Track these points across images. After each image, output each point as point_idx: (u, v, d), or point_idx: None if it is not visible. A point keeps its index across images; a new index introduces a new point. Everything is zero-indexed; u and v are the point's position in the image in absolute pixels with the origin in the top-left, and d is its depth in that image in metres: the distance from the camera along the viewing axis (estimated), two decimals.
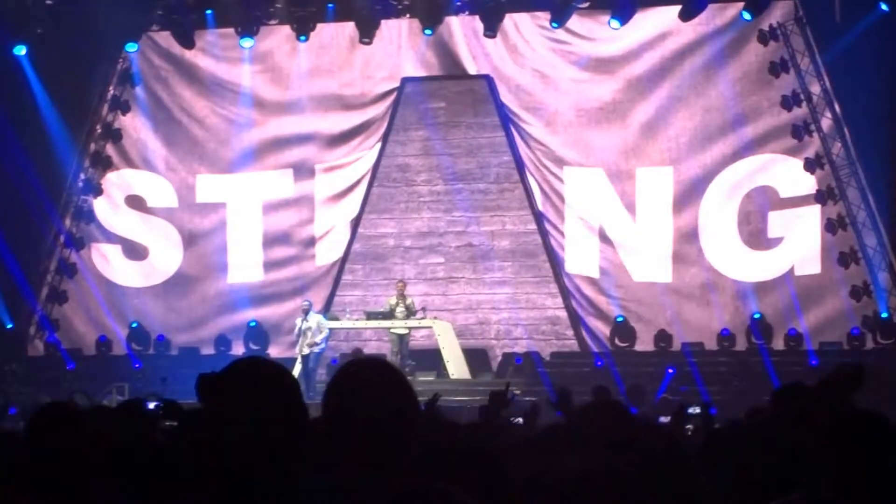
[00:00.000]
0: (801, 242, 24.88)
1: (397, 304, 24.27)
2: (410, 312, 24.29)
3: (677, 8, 24.85)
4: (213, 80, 26.94)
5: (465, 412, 17.63)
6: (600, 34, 25.51)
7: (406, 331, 24.51)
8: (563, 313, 25.77)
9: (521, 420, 13.67)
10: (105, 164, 27.19)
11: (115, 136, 27.20)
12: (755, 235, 25.07)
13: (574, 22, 25.46)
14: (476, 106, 26.35)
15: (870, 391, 18.50)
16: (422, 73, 26.40)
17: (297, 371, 23.11)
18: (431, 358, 24.28)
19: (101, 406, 10.97)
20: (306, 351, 23.38)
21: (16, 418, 20.68)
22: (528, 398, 21.61)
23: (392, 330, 24.43)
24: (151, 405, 15.44)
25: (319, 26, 25.80)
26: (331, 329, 24.35)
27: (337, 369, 4.04)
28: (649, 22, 25.27)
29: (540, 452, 4.85)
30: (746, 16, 24.61)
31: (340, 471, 3.78)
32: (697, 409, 13.61)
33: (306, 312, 23.71)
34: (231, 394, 3.63)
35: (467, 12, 25.54)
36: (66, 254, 27.00)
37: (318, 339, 23.49)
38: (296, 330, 23.59)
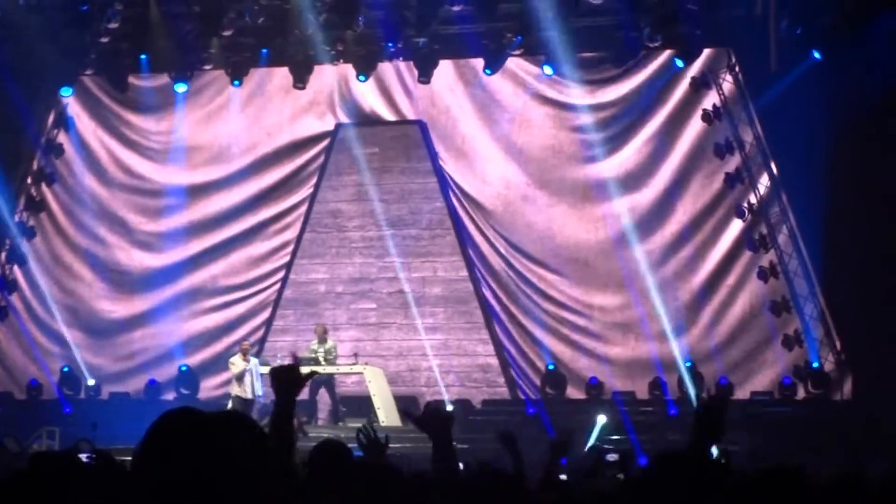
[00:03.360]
0: (733, 289, 24.86)
1: (317, 349, 24.12)
2: (328, 357, 24.05)
3: (609, 54, 24.89)
4: (144, 129, 27.00)
5: (403, 460, 17.43)
6: (534, 83, 25.54)
7: (327, 375, 24.32)
8: (494, 360, 25.67)
9: None
10: (38, 208, 27.20)
11: (49, 179, 27.24)
12: (686, 283, 25.02)
13: (508, 70, 25.46)
14: (409, 151, 26.37)
15: (801, 441, 18.24)
16: (355, 118, 26.44)
17: None
18: (362, 404, 24.09)
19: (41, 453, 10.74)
20: (246, 395, 23.17)
21: None
22: (461, 446, 21.51)
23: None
24: (84, 456, 15.34)
25: (253, 71, 25.81)
26: (262, 374, 24.27)
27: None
28: (584, 68, 25.30)
29: None
30: (679, 63, 24.61)
31: None
32: (615, 457, 13.47)
33: (245, 353, 23.55)
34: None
35: (401, 58, 25.54)
36: None
37: (259, 391, 23.25)
38: (237, 371, 23.34)
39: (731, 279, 24.87)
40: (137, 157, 27.11)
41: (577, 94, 25.45)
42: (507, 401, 25.29)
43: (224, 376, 25.59)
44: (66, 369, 26.44)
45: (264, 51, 25.31)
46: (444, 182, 26.07)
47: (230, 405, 23.02)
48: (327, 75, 26.08)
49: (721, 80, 24.99)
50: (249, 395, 23.27)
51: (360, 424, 22.19)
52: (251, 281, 26.61)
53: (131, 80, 26.19)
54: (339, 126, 26.48)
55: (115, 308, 26.93)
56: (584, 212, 25.47)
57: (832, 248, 23.60)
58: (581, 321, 25.31)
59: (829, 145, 23.47)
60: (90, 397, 26.18)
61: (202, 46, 25.48)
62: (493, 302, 25.71)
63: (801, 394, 24.09)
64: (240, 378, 23.31)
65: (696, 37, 24.03)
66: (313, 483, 5.95)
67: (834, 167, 23.36)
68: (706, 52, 24.79)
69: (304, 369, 5.99)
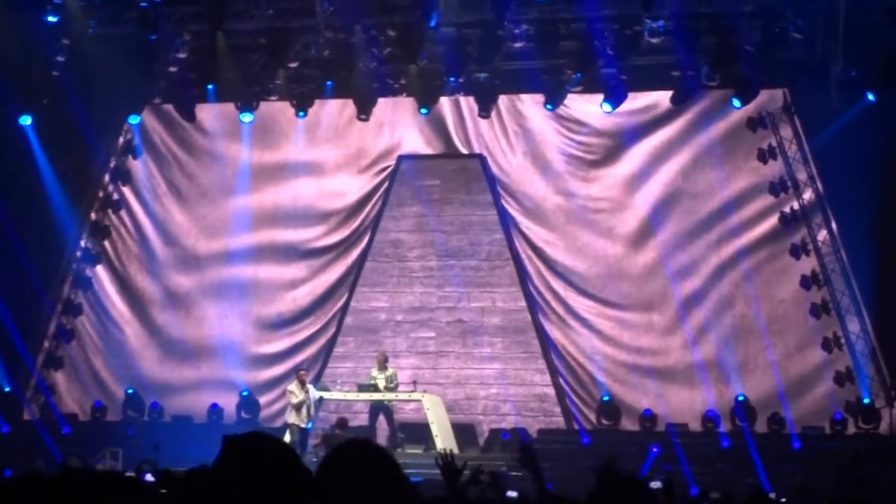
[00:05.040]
0: (785, 326, 25.25)
1: (377, 377, 24.52)
2: (388, 384, 24.38)
3: (668, 93, 25.28)
4: (211, 156, 27.54)
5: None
6: (592, 120, 25.95)
7: (386, 402, 24.73)
8: (550, 390, 26.05)
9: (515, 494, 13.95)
10: (105, 234, 27.70)
11: (116, 206, 27.76)
12: (741, 320, 25.40)
13: (567, 107, 25.90)
14: (469, 184, 26.81)
15: (851, 476, 18.69)
16: (417, 151, 26.89)
17: (287, 441, 23.36)
18: (420, 431, 24.49)
19: (97, 471, 10.92)
20: (303, 424, 23.59)
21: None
22: (514, 473, 21.90)
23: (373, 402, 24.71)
24: (148, 476, 15.68)
25: (318, 102, 26.26)
26: (322, 399, 24.65)
27: (328, 453, 4.14)
28: (640, 106, 25.72)
29: None
30: (736, 103, 24.87)
31: None
32: (659, 485, 13.88)
33: (303, 382, 23.94)
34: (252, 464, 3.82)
35: (462, 93, 25.99)
36: (64, 320, 27.43)
37: (312, 413, 23.69)
38: (296, 402, 23.72)
39: (784, 316, 25.23)
40: (201, 189, 27.69)
41: (633, 132, 25.84)
42: (562, 430, 25.69)
43: (282, 402, 26.03)
44: (130, 391, 26.91)
45: (329, 83, 25.72)
46: (504, 214, 26.51)
47: (287, 436, 23.35)
48: (390, 108, 26.56)
49: (777, 121, 25.37)
50: (305, 425, 23.69)
51: (419, 451, 22.38)
52: (312, 307, 27.04)
53: (198, 109, 26.64)
54: (400, 158, 26.96)
55: (180, 330, 27.41)
56: (638, 250, 25.85)
57: (884, 287, 23.95)
58: (636, 359, 25.66)
59: (882, 185, 23.85)
60: (153, 419, 26.66)
61: (268, 77, 25.97)
62: (550, 333, 26.10)
63: (851, 429, 24.46)
64: (298, 408, 23.72)
65: (753, 77, 24.36)
66: None
67: (887, 207, 23.79)
68: (763, 92, 25.00)
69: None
